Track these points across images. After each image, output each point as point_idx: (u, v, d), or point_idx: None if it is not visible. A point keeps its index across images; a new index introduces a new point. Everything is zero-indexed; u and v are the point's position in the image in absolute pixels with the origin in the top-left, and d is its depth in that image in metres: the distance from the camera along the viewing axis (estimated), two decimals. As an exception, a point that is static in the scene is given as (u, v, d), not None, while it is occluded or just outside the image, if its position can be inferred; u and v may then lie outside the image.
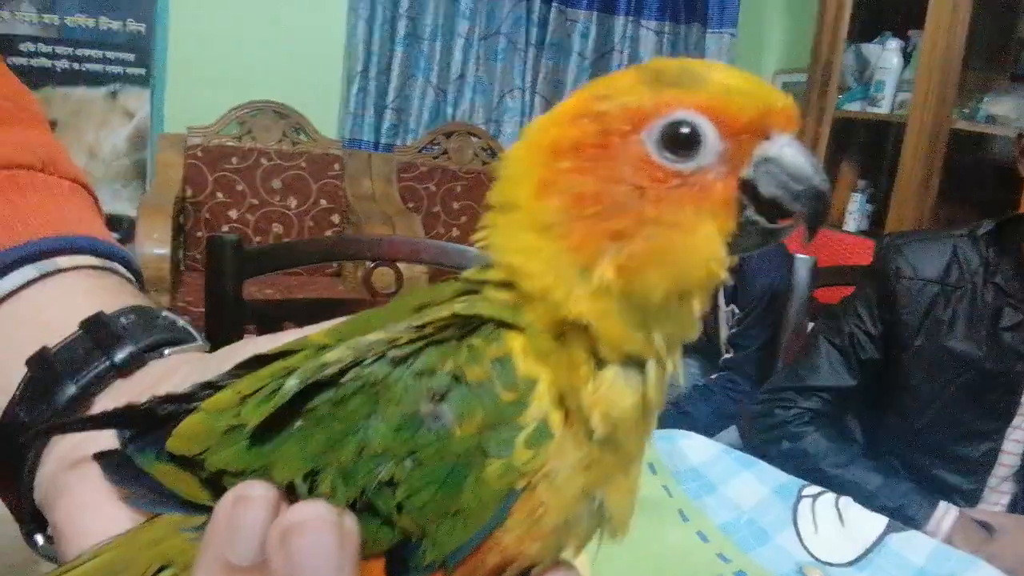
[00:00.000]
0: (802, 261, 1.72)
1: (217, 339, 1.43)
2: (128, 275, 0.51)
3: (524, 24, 3.97)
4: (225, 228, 3.37)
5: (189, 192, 3.34)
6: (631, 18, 4.09)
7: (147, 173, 3.49)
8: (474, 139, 3.88)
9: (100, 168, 3.45)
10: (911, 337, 1.47)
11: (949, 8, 2.93)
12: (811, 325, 1.70)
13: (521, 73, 4.00)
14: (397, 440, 0.32)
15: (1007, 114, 2.96)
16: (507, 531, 0.32)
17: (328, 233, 3.52)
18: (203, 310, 1.39)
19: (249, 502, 0.32)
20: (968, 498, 1.45)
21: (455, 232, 3.73)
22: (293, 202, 3.48)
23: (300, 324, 1.36)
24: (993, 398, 1.43)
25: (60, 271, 0.46)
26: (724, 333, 2.34)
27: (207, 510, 0.33)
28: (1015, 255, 1.43)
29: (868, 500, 1.40)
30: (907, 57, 3.24)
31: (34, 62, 3.28)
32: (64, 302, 0.45)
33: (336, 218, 3.53)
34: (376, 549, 0.33)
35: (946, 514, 1.38)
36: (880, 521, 0.81)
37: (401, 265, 1.50)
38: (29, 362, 0.42)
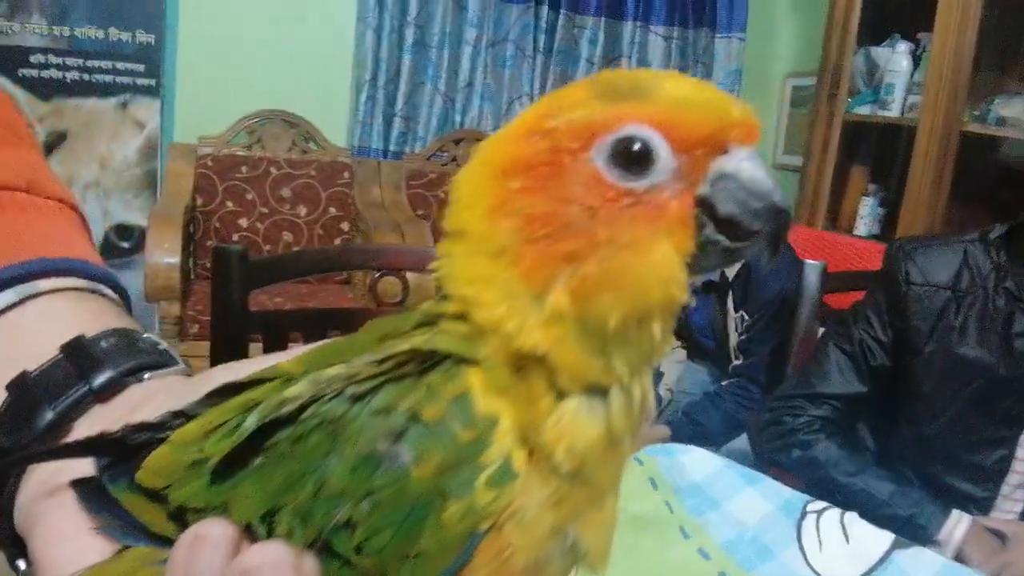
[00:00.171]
0: (812, 266, 1.71)
1: (223, 349, 1.41)
2: (113, 296, 0.50)
3: (532, 31, 3.96)
4: (235, 237, 3.38)
5: (199, 201, 3.35)
6: (639, 24, 4.07)
7: (158, 183, 3.50)
8: (483, 146, 3.86)
9: (112, 178, 3.47)
10: (922, 343, 1.45)
11: (959, 10, 2.91)
12: (821, 331, 1.69)
13: (529, 80, 3.99)
14: (354, 480, 0.31)
15: (1018, 116, 2.94)
16: (473, 572, 0.31)
17: (338, 241, 3.52)
18: (212, 320, 1.39)
19: (207, 542, 0.31)
20: (981, 506, 1.43)
21: (465, 239, 3.71)
22: (303, 210, 3.49)
23: (306, 334, 1.35)
24: (1006, 405, 1.41)
25: (41, 294, 0.46)
26: (733, 339, 2.32)
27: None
28: (1027, 259, 1.41)
29: (879, 508, 1.39)
30: (917, 60, 3.22)
31: (45, 73, 3.30)
32: (44, 326, 0.45)
33: (345, 226, 3.54)
34: None
35: (959, 522, 1.36)
36: (886, 538, 0.80)
37: (409, 274, 1.50)
38: (9, 387, 0.42)
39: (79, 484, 0.38)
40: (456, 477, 0.31)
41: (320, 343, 0.38)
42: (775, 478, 0.98)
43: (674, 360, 2.54)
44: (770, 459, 1.64)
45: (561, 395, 0.32)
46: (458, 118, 3.92)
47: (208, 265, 3.22)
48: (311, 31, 3.69)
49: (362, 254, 1.54)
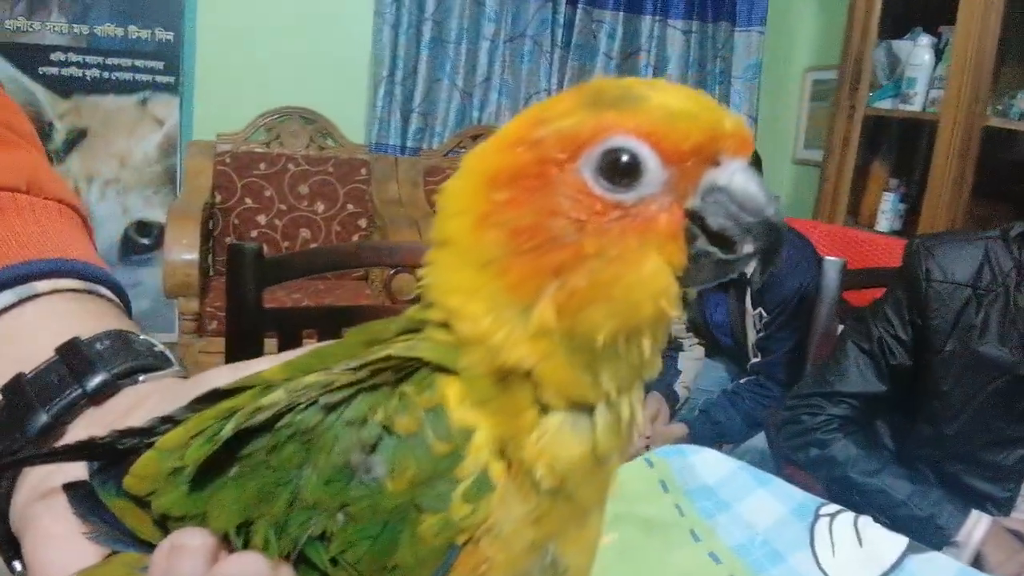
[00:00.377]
0: (832, 263, 1.69)
1: (239, 346, 1.42)
2: (112, 297, 0.50)
3: (550, 25, 3.95)
4: (253, 234, 3.39)
5: (218, 198, 3.37)
6: (658, 18, 4.05)
7: (177, 180, 3.52)
8: (501, 142, 3.86)
9: (131, 175, 3.49)
10: (942, 342, 1.43)
11: (981, 3, 2.87)
12: (840, 328, 1.67)
13: (547, 75, 3.98)
14: (328, 492, 0.31)
15: (1042, 111, 2.90)
16: None
17: (355, 238, 3.53)
18: (229, 317, 1.39)
19: (184, 552, 0.31)
20: (1001, 506, 1.41)
21: (482, 235, 3.71)
22: (320, 207, 3.50)
23: (320, 331, 1.35)
24: (1026, 404, 1.39)
25: (38, 295, 0.46)
26: (752, 337, 2.30)
27: None
28: (1049, 257, 1.39)
29: (897, 508, 1.38)
30: (939, 53, 3.18)
31: (65, 71, 3.32)
32: (41, 327, 0.45)
33: (363, 222, 3.54)
34: None
35: (978, 523, 1.34)
36: (900, 542, 0.78)
37: (423, 271, 1.49)
38: (4, 389, 0.42)
39: (71, 488, 0.38)
40: (432, 490, 0.30)
41: (310, 347, 0.38)
42: (790, 478, 0.97)
43: (692, 357, 2.53)
44: (787, 457, 1.63)
45: (545, 409, 0.31)
46: (476, 114, 3.92)
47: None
48: (329, 28, 3.70)
49: (376, 251, 1.54)
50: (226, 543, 0.32)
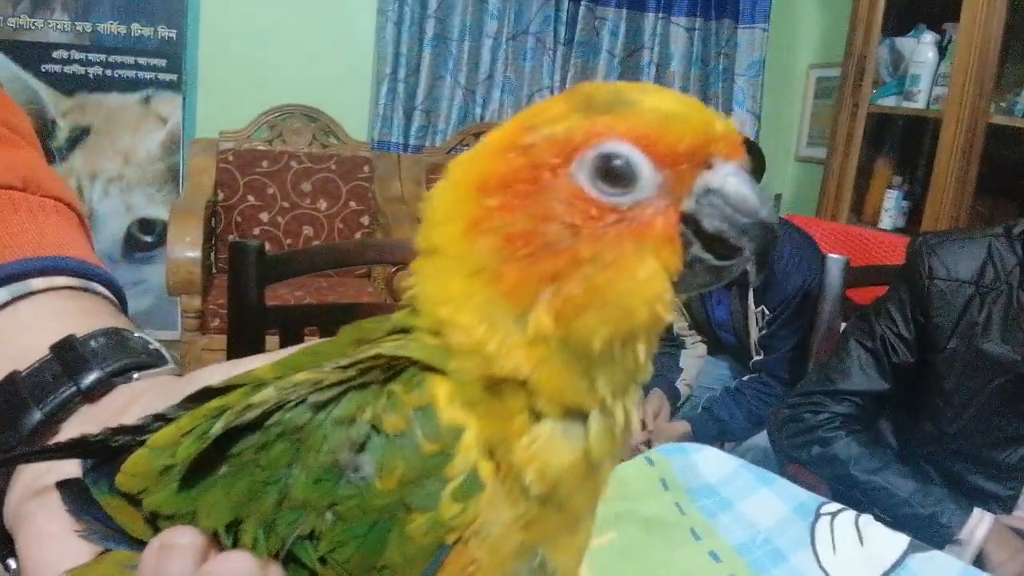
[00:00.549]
0: (835, 260, 1.69)
1: (240, 344, 1.41)
2: (108, 295, 0.50)
3: (552, 23, 3.94)
4: (256, 231, 3.40)
5: (221, 196, 3.37)
6: (661, 15, 4.04)
7: (180, 177, 3.52)
8: (503, 139, 3.85)
9: (134, 173, 3.49)
10: (944, 340, 1.43)
11: (985, 1, 2.87)
12: (843, 326, 1.67)
13: (550, 72, 3.97)
14: (317, 491, 0.31)
15: (1046, 108, 2.89)
16: None
17: (358, 235, 3.53)
18: (232, 314, 1.39)
19: (173, 551, 0.31)
20: (1004, 505, 1.41)
21: (485, 233, 3.71)
22: (323, 204, 3.50)
23: (321, 329, 1.36)
24: (1029, 402, 1.38)
25: (33, 293, 0.46)
26: (754, 335, 2.30)
27: None
28: (1052, 255, 1.38)
29: (900, 506, 1.38)
30: (943, 51, 3.17)
31: (68, 69, 3.32)
32: (36, 325, 0.45)
33: (366, 220, 3.54)
34: None
35: (980, 521, 1.34)
36: (901, 541, 0.78)
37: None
38: None
39: (64, 486, 0.38)
40: (421, 489, 0.30)
41: (301, 346, 0.38)
42: (794, 476, 0.97)
43: (694, 355, 2.52)
44: (789, 455, 1.62)
45: (538, 416, 0.31)
46: (479, 111, 3.92)
47: (229, 259, 3.23)
48: (331, 25, 3.70)
49: (378, 249, 1.54)
50: (216, 542, 0.32)
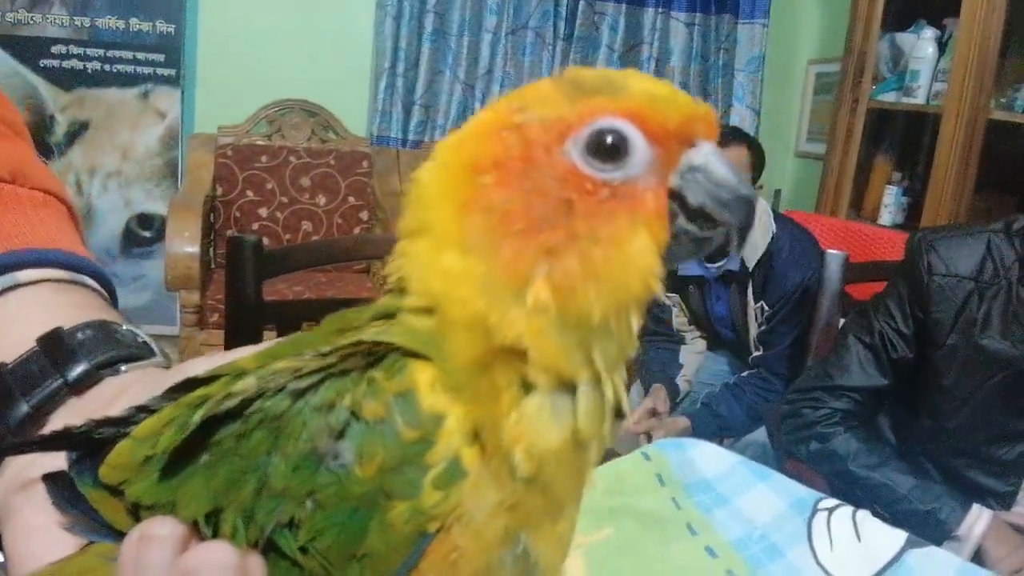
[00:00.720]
0: (834, 256, 1.69)
1: (238, 338, 1.42)
2: (97, 288, 0.50)
3: (552, 18, 3.94)
4: (255, 226, 3.39)
5: (219, 191, 3.37)
6: (660, 10, 4.04)
7: (179, 172, 3.52)
8: (502, 134, 3.85)
9: (133, 168, 3.49)
10: (943, 336, 1.43)
11: (986, -4, 2.86)
12: (843, 321, 1.67)
13: (549, 67, 3.96)
14: (296, 479, 0.30)
15: (1046, 103, 2.88)
16: (421, 575, 0.31)
17: (357, 230, 3.53)
18: (229, 309, 1.39)
19: (153, 541, 0.31)
20: (1002, 501, 1.41)
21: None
22: (322, 200, 3.49)
23: (318, 324, 1.36)
24: (1029, 399, 1.38)
25: (21, 285, 0.46)
26: (753, 330, 2.30)
27: None
28: (1052, 251, 1.38)
29: (898, 502, 1.38)
30: (943, 46, 3.16)
31: (66, 64, 3.32)
32: (23, 317, 0.45)
33: (365, 215, 3.54)
34: None
35: (979, 517, 1.34)
36: (899, 536, 0.78)
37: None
38: None
39: (50, 478, 0.38)
40: (401, 477, 0.30)
41: (284, 337, 0.38)
42: (793, 472, 0.97)
43: (694, 351, 2.52)
44: (788, 451, 1.62)
45: (527, 389, 0.31)
46: (478, 106, 3.91)
47: (228, 254, 3.23)
48: (330, 20, 3.69)
49: (377, 245, 1.54)
50: (196, 531, 0.32)
